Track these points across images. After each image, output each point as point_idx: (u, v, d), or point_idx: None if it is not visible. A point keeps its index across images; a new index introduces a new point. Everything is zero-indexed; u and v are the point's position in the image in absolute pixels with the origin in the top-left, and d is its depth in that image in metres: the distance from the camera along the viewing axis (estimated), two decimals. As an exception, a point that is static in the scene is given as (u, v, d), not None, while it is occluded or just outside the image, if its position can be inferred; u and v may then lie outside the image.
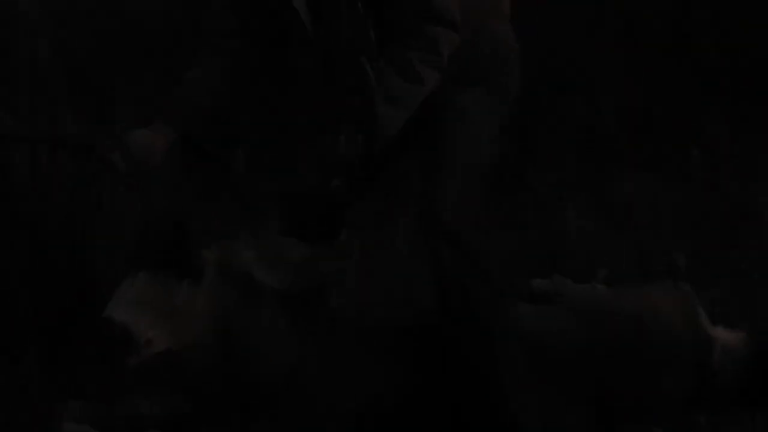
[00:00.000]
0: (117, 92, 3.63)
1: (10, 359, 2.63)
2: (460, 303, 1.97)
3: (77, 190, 2.87)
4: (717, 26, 4.08)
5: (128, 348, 1.67)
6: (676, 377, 2.13)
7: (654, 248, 3.15)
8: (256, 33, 2.09)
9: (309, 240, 2.02)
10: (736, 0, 4.11)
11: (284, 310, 1.91)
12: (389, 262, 2.90)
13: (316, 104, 2.13)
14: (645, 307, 2.18)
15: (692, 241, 3.17)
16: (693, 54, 4.04)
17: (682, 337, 2.14)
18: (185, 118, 2.02)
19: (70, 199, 2.85)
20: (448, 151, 1.96)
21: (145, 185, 1.99)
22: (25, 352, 2.63)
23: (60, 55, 4.12)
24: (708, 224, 3.34)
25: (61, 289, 2.70)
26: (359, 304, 2.15)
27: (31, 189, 2.89)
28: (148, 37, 4.07)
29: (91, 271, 2.50)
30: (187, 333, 1.80)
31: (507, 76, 2.12)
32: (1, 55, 4.17)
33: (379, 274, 2.67)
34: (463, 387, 2.02)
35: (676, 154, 3.78)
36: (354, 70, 1.83)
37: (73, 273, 2.33)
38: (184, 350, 1.79)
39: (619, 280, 2.71)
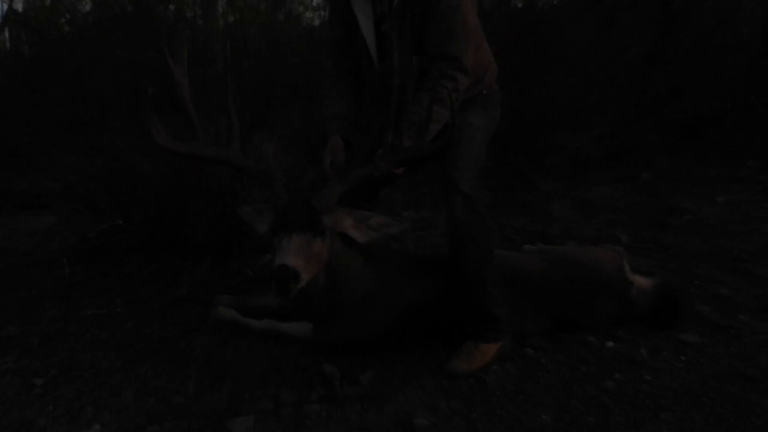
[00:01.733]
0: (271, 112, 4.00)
1: (191, 264, 2.92)
2: (467, 242, 2.20)
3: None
4: (669, 92, 4.35)
5: (296, 281, 1.96)
6: (605, 304, 2.43)
7: (607, 231, 3.46)
8: (350, 69, 2.38)
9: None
10: (681, 74, 4.39)
11: (364, 254, 2.25)
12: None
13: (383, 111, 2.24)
14: (589, 257, 2.48)
15: (635, 227, 3.47)
16: (650, 108, 4.31)
17: (611, 278, 2.43)
18: (332, 122, 2.30)
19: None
20: (462, 147, 2.20)
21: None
22: (202, 260, 2.94)
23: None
24: (647, 217, 3.57)
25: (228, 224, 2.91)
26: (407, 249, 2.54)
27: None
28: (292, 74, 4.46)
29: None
30: (317, 269, 2.08)
31: (494, 109, 2.38)
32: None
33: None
34: (463, 298, 2.29)
35: (631, 175, 4.11)
36: (402, 92, 2.05)
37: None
38: (308, 285, 2.04)
39: None
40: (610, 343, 2.37)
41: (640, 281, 2.47)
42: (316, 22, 5.73)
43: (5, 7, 5.67)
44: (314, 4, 5.74)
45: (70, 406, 2.13)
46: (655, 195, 3.89)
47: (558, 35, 4.33)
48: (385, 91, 2.10)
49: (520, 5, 4.84)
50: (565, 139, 4.21)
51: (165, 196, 2.93)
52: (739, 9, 4.46)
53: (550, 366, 2.27)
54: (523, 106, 2.61)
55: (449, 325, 2.35)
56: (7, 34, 5.95)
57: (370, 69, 2.30)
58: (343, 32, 2.32)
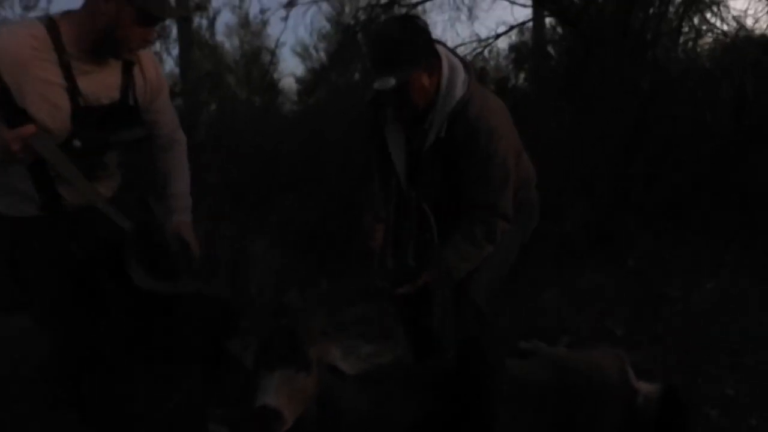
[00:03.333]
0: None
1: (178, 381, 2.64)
2: (475, 357, 2.17)
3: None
4: (648, 180, 4.39)
5: (280, 425, 1.78)
6: (611, 413, 2.31)
7: (600, 322, 3.37)
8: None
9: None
10: (658, 158, 4.44)
11: (356, 384, 2.10)
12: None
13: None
14: (592, 365, 2.37)
15: (627, 318, 3.39)
16: (631, 196, 4.33)
17: (616, 387, 2.32)
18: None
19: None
20: (487, 259, 2.17)
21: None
22: (188, 374, 2.64)
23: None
24: (638, 306, 3.49)
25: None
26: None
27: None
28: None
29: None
30: (303, 406, 1.90)
31: (531, 220, 2.39)
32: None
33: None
34: (466, 412, 2.18)
35: (617, 260, 4.06)
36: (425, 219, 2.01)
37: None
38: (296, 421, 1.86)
39: (575, 345, 3.06)
40: (618, 457, 2.19)
41: (646, 388, 2.37)
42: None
43: None
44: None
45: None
46: (643, 282, 3.82)
47: (532, 125, 4.27)
48: (405, 216, 2.09)
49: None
50: (548, 227, 3.99)
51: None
52: (712, 100, 4.46)
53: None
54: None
55: None
56: None
57: (399, 191, 2.27)
58: (378, 148, 2.30)
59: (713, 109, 4.58)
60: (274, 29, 18.82)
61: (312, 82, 7.23)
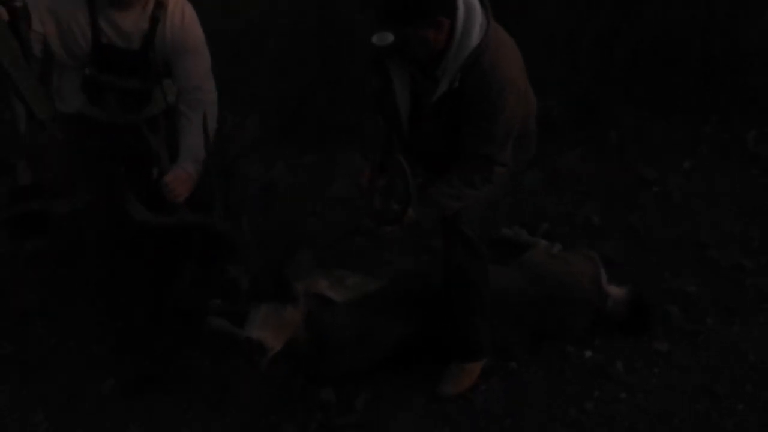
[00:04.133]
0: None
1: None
2: (464, 286, 2.29)
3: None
4: (635, 55, 4.21)
5: (262, 354, 1.98)
6: (583, 315, 2.51)
7: (579, 208, 3.46)
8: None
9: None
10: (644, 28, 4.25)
11: (343, 309, 2.25)
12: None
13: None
14: (567, 270, 2.54)
15: (604, 204, 3.47)
16: (617, 68, 4.19)
17: (588, 291, 2.50)
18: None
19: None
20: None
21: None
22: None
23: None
24: (616, 191, 3.56)
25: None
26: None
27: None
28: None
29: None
30: (291, 333, 2.10)
31: (527, 153, 2.45)
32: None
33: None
34: (448, 323, 2.37)
35: (599, 135, 4.03)
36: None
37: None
38: (288, 344, 2.08)
39: (552, 234, 3.20)
40: (588, 353, 2.49)
41: (615, 292, 2.56)
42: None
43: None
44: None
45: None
46: (623, 161, 3.87)
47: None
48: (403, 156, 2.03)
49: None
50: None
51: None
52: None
53: (533, 382, 2.41)
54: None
55: (435, 344, 2.43)
56: None
57: (398, 129, 2.22)
58: (380, 84, 2.20)
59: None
60: None
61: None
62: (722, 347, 2.44)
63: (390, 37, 1.87)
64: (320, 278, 2.19)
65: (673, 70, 4.27)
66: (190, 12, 2.35)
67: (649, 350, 2.46)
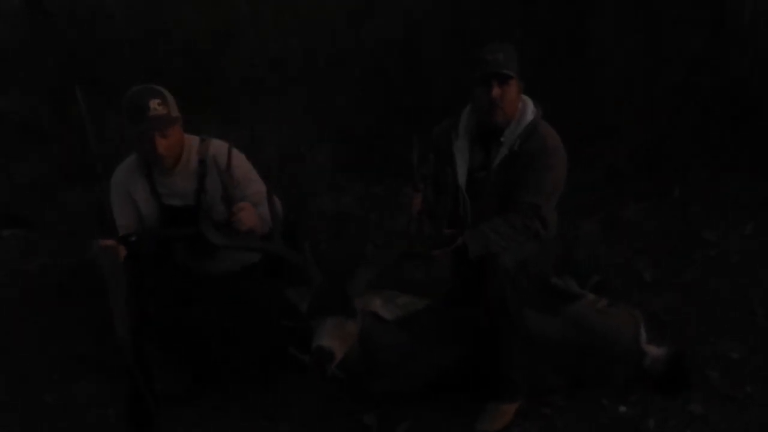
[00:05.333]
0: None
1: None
2: (502, 318, 2.43)
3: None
4: (708, 111, 4.22)
5: (330, 361, 2.19)
6: (619, 371, 2.58)
7: (632, 263, 3.48)
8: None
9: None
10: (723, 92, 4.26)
11: (394, 327, 2.46)
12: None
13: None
14: (609, 326, 2.61)
15: (659, 259, 3.50)
16: (689, 121, 4.23)
17: (627, 349, 2.57)
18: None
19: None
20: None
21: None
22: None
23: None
24: (673, 246, 3.60)
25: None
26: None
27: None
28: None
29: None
30: (349, 346, 2.31)
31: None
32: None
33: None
34: (489, 357, 2.49)
35: (663, 190, 4.06)
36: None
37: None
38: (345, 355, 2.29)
39: (603, 287, 3.24)
40: (622, 408, 2.55)
41: (654, 351, 2.62)
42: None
43: None
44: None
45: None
46: (684, 217, 3.89)
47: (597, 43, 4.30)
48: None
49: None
50: (600, 150, 4.25)
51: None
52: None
53: (565, 429, 2.49)
54: (558, 115, 2.61)
55: (474, 380, 2.57)
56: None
57: (454, 203, 2.54)
58: (436, 162, 2.57)
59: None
60: None
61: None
62: (759, 415, 2.45)
63: (500, 56, 2.44)
64: (375, 296, 2.44)
65: (746, 127, 4.27)
66: (233, 154, 2.56)
67: (683, 411, 2.50)
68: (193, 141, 2.68)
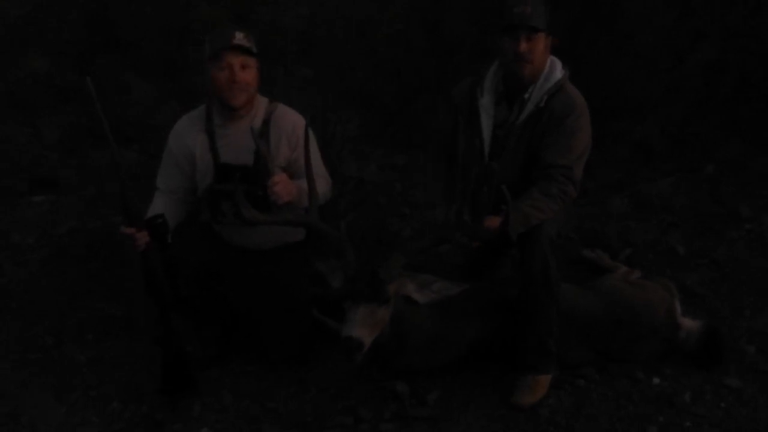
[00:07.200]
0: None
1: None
2: (541, 291, 2.40)
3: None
4: (743, 86, 4.14)
5: (359, 350, 2.18)
6: (653, 344, 2.56)
7: (665, 236, 3.47)
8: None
9: None
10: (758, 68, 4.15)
11: (426, 310, 2.45)
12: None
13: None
14: (642, 298, 2.59)
15: (692, 235, 3.48)
16: (721, 99, 4.14)
17: (661, 323, 2.55)
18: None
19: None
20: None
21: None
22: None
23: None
24: (706, 223, 3.56)
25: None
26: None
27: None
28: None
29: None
30: (380, 330, 2.30)
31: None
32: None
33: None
34: (523, 332, 2.48)
35: (695, 167, 3.99)
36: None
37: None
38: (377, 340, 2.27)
39: (635, 260, 3.26)
40: (656, 380, 2.54)
41: (689, 324, 2.60)
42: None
43: None
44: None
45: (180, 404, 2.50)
46: (715, 195, 3.83)
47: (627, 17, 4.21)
48: (485, 182, 2.28)
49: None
50: (630, 126, 4.16)
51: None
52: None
53: (599, 401, 2.48)
54: (587, 90, 2.59)
55: (507, 352, 2.56)
56: None
57: (474, 160, 2.48)
58: (454, 124, 2.56)
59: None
60: None
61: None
62: (795, 391, 2.39)
63: (528, 9, 2.32)
64: (408, 281, 2.39)
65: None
66: (295, 118, 2.63)
67: (719, 385, 2.49)
68: (262, 100, 2.65)
